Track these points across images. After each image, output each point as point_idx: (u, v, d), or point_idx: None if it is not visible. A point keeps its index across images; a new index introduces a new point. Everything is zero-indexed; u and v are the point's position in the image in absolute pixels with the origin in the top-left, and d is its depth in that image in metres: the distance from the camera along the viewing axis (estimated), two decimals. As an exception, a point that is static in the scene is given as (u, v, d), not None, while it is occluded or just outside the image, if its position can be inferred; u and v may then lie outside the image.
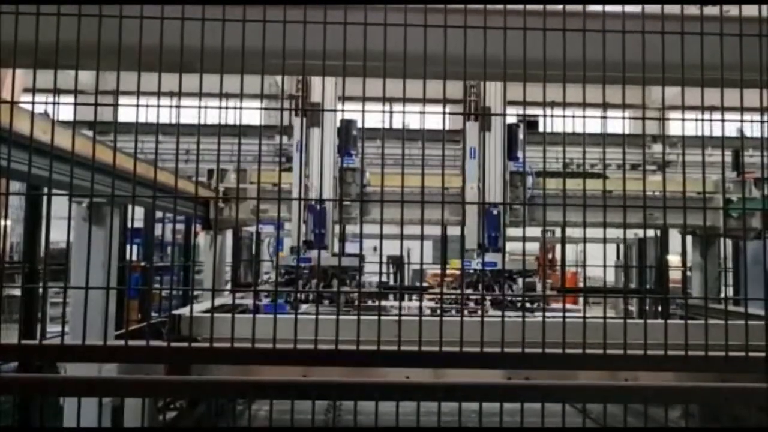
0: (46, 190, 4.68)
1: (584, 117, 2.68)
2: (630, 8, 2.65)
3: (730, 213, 8.51)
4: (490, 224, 9.15)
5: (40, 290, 4.03)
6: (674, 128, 17.80)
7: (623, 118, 14.29)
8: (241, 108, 2.65)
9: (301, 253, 8.67)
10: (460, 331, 2.37)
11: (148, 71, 2.50)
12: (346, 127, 9.33)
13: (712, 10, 2.71)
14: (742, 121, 2.35)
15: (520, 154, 9.50)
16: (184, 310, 5.12)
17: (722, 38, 2.46)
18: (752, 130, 6.37)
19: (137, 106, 2.36)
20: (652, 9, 2.62)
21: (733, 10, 2.66)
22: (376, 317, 2.30)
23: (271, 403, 2.50)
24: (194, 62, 2.40)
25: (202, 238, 8.87)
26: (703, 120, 2.47)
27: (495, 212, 9.11)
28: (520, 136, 9.37)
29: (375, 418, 2.37)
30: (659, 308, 9.58)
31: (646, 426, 2.60)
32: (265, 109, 11.83)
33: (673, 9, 2.59)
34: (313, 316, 2.39)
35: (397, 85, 2.62)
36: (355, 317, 2.32)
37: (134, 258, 9.15)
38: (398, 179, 2.89)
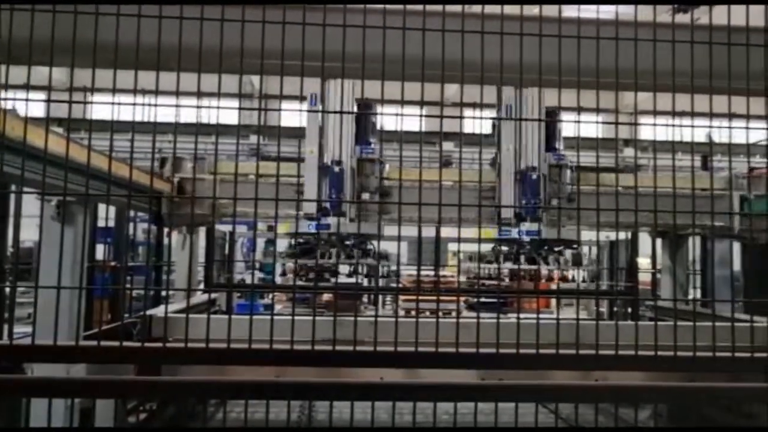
0: (14, 187, 4.60)
1: (560, 121, 2.72)
2: (603, 15, 2.70)
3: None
4: (530, 190, 8.27)
5: (8, 290, 3.95)
6: (645, 133, 18.12)
7: (597, 122, 14.41)
8: (218, 107, 2.63)
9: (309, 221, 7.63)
10: (435, 332, 2.39)
11: (123, 69, 2.47)
12: (364, 106, 8.58)
13: (683, 18, 2.77)
14: (710, 126, 2.41)
15: (557, 145, 8.66)
16: (157, 311, 5.06)
17: (692, 46, 2.52)
18: (720, 136, 6.52)
19: (112, 104, 2.32)
20: (625, 16, 2.67)
21: (704, 18, 2.73)
22: (352, 318, 2.30)
23: (246, 403, 2.48)
24: (170, 60, 2.38)
25: (175, 238, 8.65)
26: (673, 125, 2.52)
27: (534, 177, 8.27)
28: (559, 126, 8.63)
29: (350, 417, 2.38)
30: (629, 310, 9.71)
31: (636, 426, 2.64)
32: (243, 109, 11.72)
33: (646, 16, 2.64)
34: (289, 317, 2.39)
35: (375, 85, 2.63)
36: (331, 318, 2.32)
37: (103, 257, 9.00)
38: (415, 173, 2.87)
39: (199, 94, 2.31)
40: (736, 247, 9.60)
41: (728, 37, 2.58)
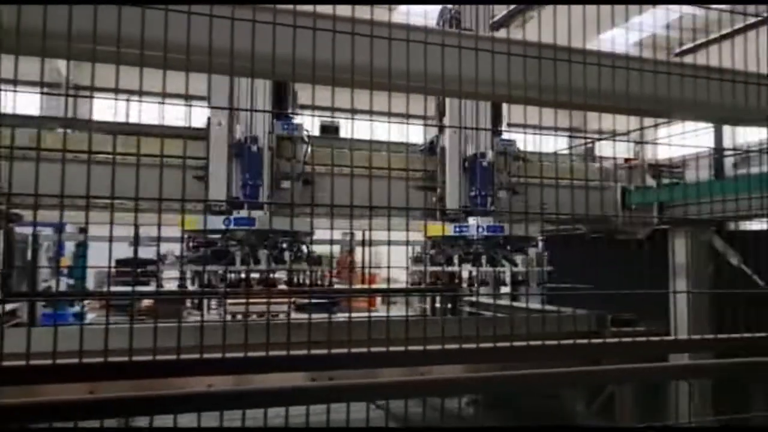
0: None
1: (389, 122, 2.77)
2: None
3: (629, 206, 8.17)
4: (481, 179, 7.25)
5: None
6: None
7: (424, 124, 15.16)
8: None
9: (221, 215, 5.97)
10: (266, 335, 2.31)
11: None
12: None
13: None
14: (540, 134, 2.60)
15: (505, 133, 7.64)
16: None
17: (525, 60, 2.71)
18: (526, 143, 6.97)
19: None
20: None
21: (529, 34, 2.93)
22: (175, 324, 2.15)
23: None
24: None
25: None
26: (492, 129, 2.68)
27: (485, 164, 7.28)
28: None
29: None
30: (449, 306, 10.22)
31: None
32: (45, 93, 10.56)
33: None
34: (102, 326, 2.16)
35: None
36: (152, 325, 2.15)
37: None
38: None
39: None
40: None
41: (539, 52, 2.80)
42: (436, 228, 7.26)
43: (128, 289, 7.49)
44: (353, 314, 2.59)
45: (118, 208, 4.50)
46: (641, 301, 6.64)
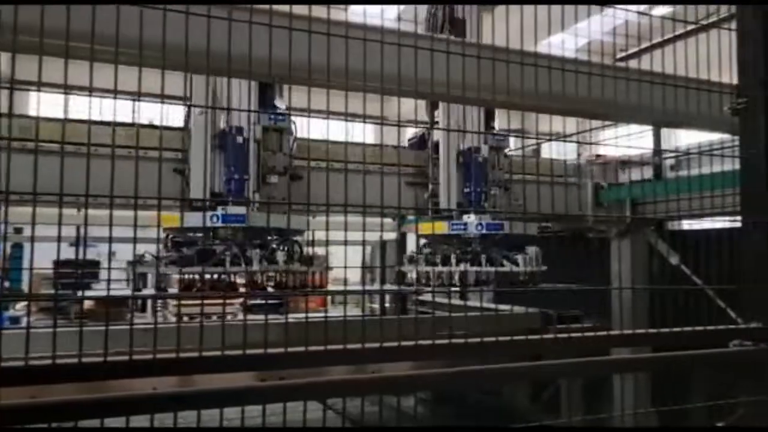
0: None
1: (328, 118, 2.75)
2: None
3: (601, 203, 7.96)
4: (475, 175, 6.95)
5: None
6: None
7: (364, 121, 15.15)
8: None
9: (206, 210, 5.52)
10: (200, 337, 2.24)
11: None
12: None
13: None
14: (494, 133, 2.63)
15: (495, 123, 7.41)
16: None
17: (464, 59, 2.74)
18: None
19: None
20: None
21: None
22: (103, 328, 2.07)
23: None
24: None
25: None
26: (427, 126, 2.71)
27: (480, 159, 7.00)
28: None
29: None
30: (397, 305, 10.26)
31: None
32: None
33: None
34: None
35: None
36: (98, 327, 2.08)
37: None
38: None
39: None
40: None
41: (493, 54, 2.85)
42: (438, 226, 6.92)
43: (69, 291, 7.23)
44: (296, 314, 2.54)
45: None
46: (593, 300, 6.82)
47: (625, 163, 8.18)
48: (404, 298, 9.88)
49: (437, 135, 7.31)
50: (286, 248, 5.86)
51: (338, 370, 2.78)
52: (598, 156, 8.18)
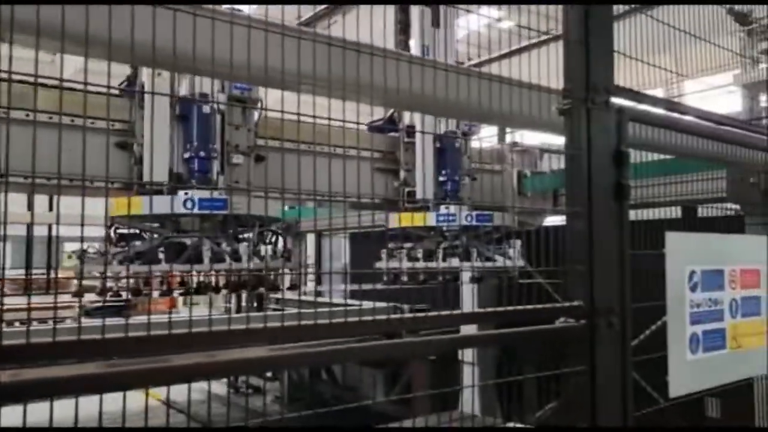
0: None
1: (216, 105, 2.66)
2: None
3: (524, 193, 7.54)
4: (452, 162, 6.43)
5: None
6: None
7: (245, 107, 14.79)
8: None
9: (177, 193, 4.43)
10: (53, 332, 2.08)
11: None
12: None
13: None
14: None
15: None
16: None
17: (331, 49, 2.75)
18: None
19: None
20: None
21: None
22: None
23: None
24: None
25: None
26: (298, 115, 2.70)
27: (457, 145, 6.45)
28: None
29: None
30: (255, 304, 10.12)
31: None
32: None
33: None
34: None
35: None
36: None
37: None
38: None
39: None
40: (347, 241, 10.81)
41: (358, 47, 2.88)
42: (415, 218, 6.41)
43: None
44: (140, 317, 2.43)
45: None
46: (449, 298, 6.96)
47: (549, 151, 7.97)
48: (261, 297, 9.75)
49: (410, 117, 6.67)
50: (270, 241, 5.14)
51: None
52: (515, 143, 7.84)
